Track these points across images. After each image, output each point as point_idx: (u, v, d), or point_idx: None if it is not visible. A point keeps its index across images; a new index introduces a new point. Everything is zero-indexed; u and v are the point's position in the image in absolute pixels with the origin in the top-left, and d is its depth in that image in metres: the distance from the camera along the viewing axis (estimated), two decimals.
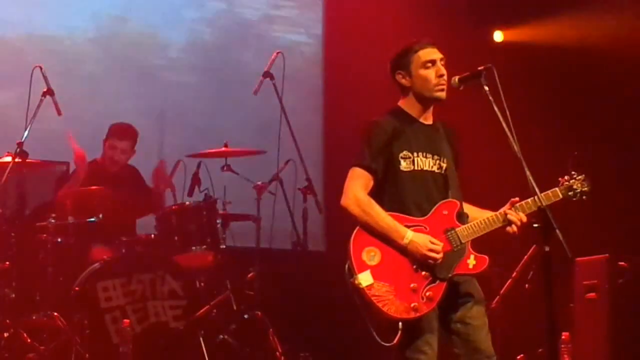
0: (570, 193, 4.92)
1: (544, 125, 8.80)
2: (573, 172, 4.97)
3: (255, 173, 7.60)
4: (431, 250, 4.64)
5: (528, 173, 4.54)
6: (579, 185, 4.93)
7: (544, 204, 4.54)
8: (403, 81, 4.89)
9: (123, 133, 7.79)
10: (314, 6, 9.78)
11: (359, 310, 4.64)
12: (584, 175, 4.96)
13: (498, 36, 9.72)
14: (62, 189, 7.45)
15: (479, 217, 4.81)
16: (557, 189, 4.90)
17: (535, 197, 4.60)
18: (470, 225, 4.77)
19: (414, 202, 4.77)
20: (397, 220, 4.69)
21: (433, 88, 4.84)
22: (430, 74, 4.84)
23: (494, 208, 4.88)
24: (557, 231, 4.38)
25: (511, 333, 7.49)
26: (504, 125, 4.57)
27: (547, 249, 4.42)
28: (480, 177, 7.22)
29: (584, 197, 4.95)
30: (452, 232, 4.74)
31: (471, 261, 4.76)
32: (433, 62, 4.86)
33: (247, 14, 9.56)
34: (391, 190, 4.77)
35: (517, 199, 4.83)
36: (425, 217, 4.75)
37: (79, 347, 6.76)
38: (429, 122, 4.93)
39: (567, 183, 4.93)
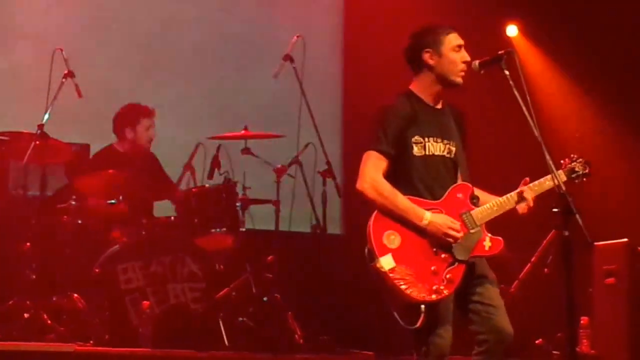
0: (573, 175, 4.98)
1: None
2: (573, 155, 5.01)
3: (274, 156, 7.60)
4: (451, 228, 4.65)
5: (548, 157, 4.54)
6: (581, 167, 5.00)
7: (557, 183, 4.55)
8: (430, 60, 4.86)
9: (149, 111, 7.77)
10: None
11: (381, 293, 4.64)
12: (583, 159, 5.01)
13: (512, 30, 9.54)
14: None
15: (489, 200, 4.83)
16: (560, 171, 4.92)
17: (551, 177, 4.64)
18: (485, 208, 4.78)
19: (426, 186, 4.77)
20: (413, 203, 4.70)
21: (457, 72, 4.84)
22: (458, 57, 4.85)
23: (495, 192, 4.90)
24: (577, 216, 4.38)
25: (530, 317, 7.47)
26: (524, 109, 4.58)
27: (566, 233, 4.43)
28: (482, 162, 7.21)
29: (584, 179, 4.99)
30: (468, 214, 4.75)
31: (487, 243, 4.77)
32: (461, 46, 4.88)
33: None
34: (403, 174, 4.76)
35: (527, 179, 4.87)
36: (440, 200, 4.75)
37: (99, 328, 6.80)
38: (440, 106, 4.93)
39: (569, 165, 5.00)
